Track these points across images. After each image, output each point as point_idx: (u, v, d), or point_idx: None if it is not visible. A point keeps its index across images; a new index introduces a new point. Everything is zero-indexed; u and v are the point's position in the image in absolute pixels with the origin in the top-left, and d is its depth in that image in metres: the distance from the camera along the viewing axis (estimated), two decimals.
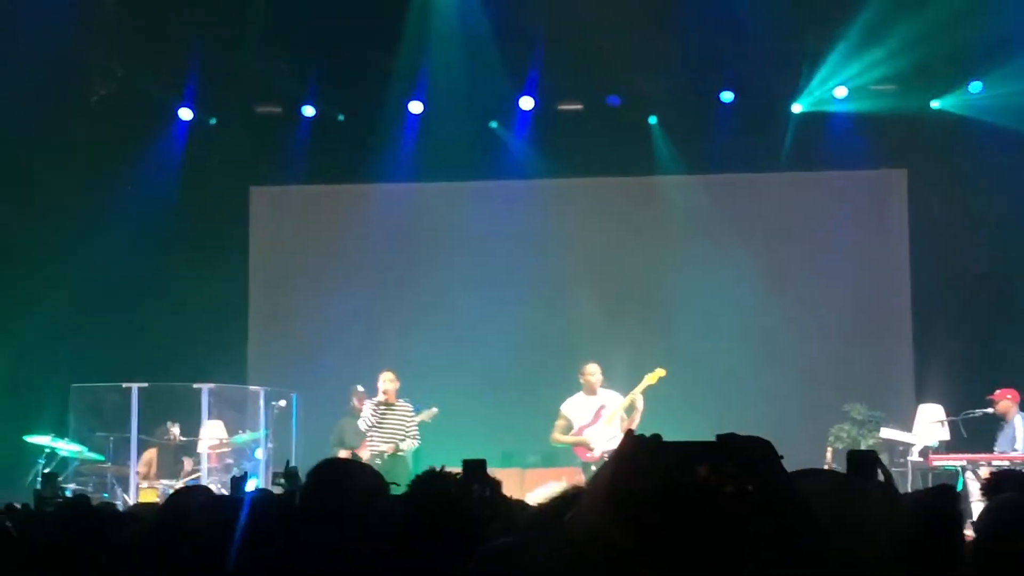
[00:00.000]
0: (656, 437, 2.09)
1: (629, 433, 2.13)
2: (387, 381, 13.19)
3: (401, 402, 13.32)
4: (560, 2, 14.26)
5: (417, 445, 13.24)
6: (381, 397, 13.20)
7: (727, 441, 2.09)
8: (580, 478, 11.86)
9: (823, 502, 2.56)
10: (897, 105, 15.47)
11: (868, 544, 2.64)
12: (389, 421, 13.25)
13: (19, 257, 14.90)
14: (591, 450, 12.98)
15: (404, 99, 15.96)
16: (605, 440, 12.84)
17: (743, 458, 2.08)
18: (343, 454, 12.75)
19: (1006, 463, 12.19)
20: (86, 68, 15.31)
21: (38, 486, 10.72)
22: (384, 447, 13.11)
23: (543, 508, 3.83)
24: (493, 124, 16.41)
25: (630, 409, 13.07)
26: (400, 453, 13.08)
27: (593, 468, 12.70)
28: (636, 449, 2.09)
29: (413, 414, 13.34)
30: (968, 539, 3.66)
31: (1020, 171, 14.80)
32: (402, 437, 13.17)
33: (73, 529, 4.66)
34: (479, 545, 3.38)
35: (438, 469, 4.65)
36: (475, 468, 4.65)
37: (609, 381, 13.32)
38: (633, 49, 15.05)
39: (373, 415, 13.21)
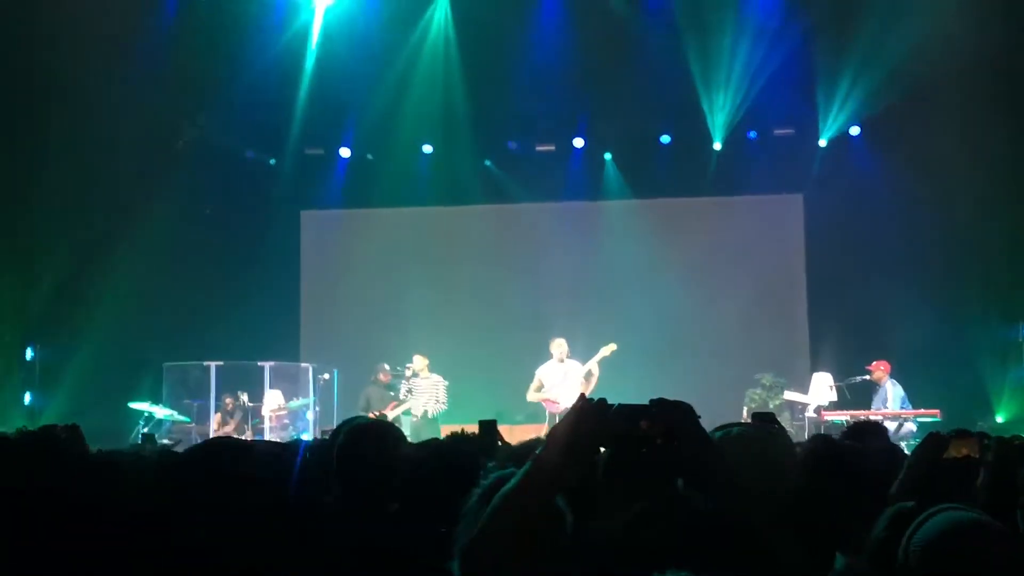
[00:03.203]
0: (602, 400, 2.15)
1: (582, 396, 2.18)
2: (415, 359, 14.05)
3: (435, 376, 13.99)
4: (538, 70, 14.76)
5: (444, 409, 13.79)
6: (408, 372, 13.91)
7: (657, 404, 2.17)
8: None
9: (745, 443, 2.94)
10: (794, 143, 16.07)
11: (775, 472, 2.89)
12: (420, 389, 13.87)
13: (122, 267, 14.69)
14: (557, 403, 13.39)
15: (418, 142, 16.41)
16: (568, 398, 13.19)
17: (670, 417, 2.16)
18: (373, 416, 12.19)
19: (878, 418, 11.98)
20: (174, 118, 15.55)
21: (139, 442, 11.24)
22: (418, 411, 13.71)
23: (517, 448, 4.14)
24: (488, 162, 16.91)
25: (588, 375, 13.48)
26: (429, 416, 13.66)
27: (557, 418, 13.09)
28: (587, 408, 2.13)
29: (444, 384, 13.90)
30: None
31: (888, 192, 15.09)
32: (434, 401, 13.78)
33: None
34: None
35: (460, 431, 4.86)
36: (489, 426, 4.95)
37: (572, 353, 13.79)
38: (592, 104, 15.76)
39: (405, 385, 13.97)
